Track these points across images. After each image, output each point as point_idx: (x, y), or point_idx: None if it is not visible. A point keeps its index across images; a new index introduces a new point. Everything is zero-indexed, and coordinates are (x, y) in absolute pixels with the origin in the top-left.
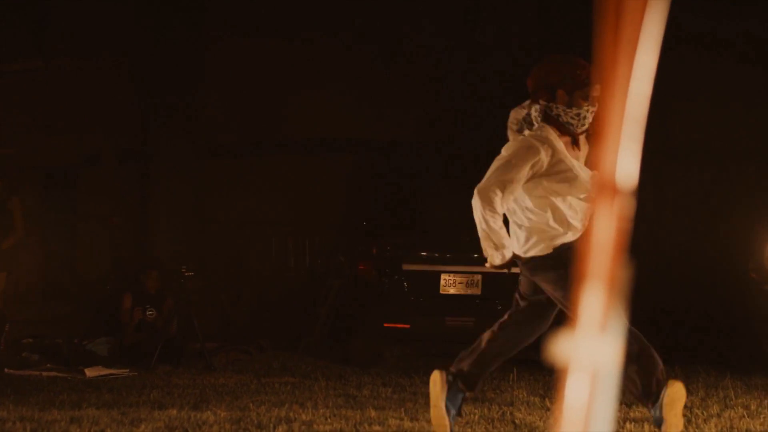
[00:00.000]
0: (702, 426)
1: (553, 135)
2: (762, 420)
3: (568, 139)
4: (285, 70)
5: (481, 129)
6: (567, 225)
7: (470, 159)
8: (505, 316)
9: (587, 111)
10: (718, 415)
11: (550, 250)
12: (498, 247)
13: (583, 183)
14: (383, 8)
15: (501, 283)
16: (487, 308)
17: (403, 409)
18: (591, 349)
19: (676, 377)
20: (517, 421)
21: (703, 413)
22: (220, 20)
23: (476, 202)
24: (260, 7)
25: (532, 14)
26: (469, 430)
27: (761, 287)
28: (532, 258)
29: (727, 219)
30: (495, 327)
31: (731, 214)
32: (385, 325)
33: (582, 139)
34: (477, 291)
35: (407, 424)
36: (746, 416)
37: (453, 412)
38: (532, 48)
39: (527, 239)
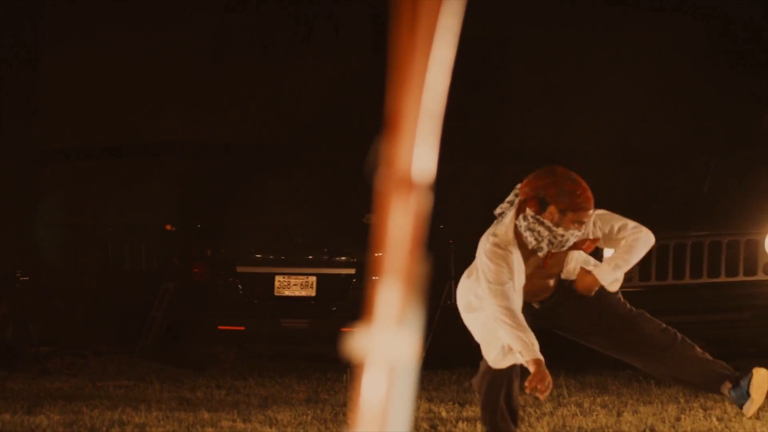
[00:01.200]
0: (534, 424)
1: (516, 254)
2: (594, 417)
3: (529, 252)
4: (122, 72)
5: (316, 133)
6: None
7: (306, 162)
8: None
9: (572, 234)
10: (551, 413)
11: None
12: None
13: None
14: (216, 7)
15: (335, 285)
16: (322, 310)
17: (236, 411)
18: (387, 345)
19: None
20: (350, 422)
21: (535, 411)
22: (57, 22)
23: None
24: (98, 9)
25: (366, 19)
26: (302, 430)
27: None
28: None
29: None
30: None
31: None
32: (220, 327)
33: (551, 258)
34: (311, 292)
35: (240, 425)
36: (579, 414)
37: None
38: (365, 53)
39: None
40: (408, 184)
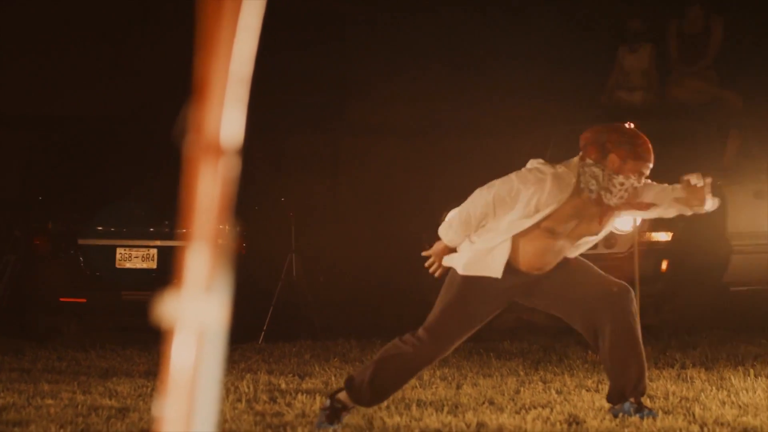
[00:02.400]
0: None
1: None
2: (434, 390)
3: (586, 200)
4: None
5: (158, 104)
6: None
7: (146, 134)
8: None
9: (631, 184)
10: None
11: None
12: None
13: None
14: None
15: (176, 257)
16: (163, 282)
17: (76, 383)
18: (196, 310)
19: (351, 349)
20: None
21: None
22: None
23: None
24: None
25: None
26: (141, 402)
27: None
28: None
29: (406, 191)
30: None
31: (410, 187)
32: (62, 299)
33: (605, 215)
34: (153, 265)
35: (80, 397)
36: (418, 386)
37: None
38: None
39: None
40: (216, 149)
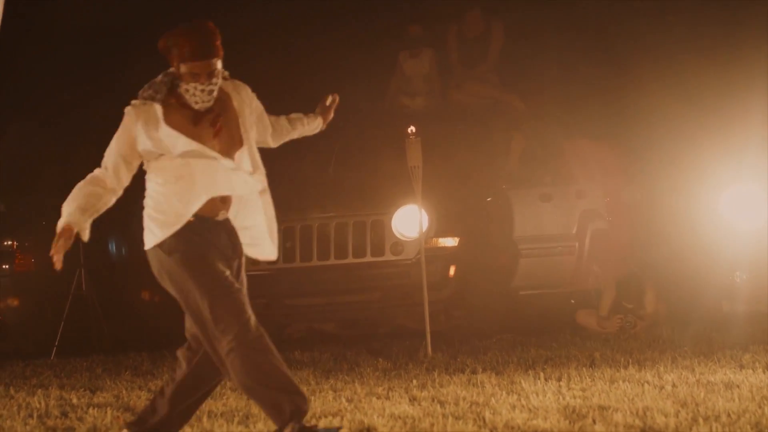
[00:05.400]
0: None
1: (157, 106)
2: (224, 401)
3: (188, 113)
4: None
5: None
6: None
7: None
8: None
9: (195, 89)
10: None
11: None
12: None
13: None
14: None
15: None
16: None
17: None
18: None
19: (142, 362)
20: None
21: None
22: None
23: None
24: None
25: None
26: None
27: None
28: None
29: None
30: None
31: None
32: None
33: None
34: None
35: None
36: (209, 398)
37: None
38: None
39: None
40: None
